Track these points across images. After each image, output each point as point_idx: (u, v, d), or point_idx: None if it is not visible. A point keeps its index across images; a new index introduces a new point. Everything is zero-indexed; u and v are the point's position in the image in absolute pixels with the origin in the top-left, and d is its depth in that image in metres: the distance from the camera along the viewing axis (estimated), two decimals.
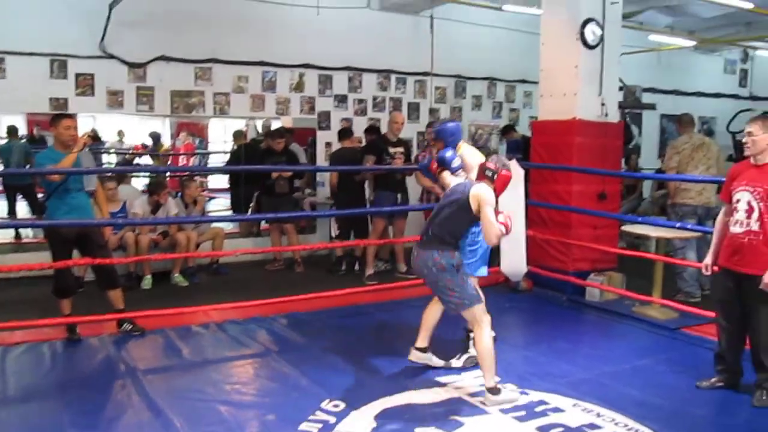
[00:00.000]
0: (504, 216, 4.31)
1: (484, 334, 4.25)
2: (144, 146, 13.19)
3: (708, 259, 4.49)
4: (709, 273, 4.50)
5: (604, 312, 6.34)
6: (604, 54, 6.80)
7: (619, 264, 6.98)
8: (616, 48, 7.02)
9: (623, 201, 8.94)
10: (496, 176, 4.35)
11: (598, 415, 3.99)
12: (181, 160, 14.39)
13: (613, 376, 4.66)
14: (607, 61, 6.82)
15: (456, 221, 4.33)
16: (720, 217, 4.44)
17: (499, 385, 4.21)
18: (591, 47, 6.71)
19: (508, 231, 4.30)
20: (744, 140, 4.22)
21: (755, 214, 4.10)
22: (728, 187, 4.32)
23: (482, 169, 4.42)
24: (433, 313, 4.78)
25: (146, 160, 14.04)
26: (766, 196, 4.06)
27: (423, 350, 4.75)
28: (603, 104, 6.79)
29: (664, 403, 4.21)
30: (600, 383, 4.52)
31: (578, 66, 6.72)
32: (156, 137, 12.67)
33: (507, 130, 9.57)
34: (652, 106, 10.19)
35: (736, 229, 4.21)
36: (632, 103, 9.30)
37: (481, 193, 4.24)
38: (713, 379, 4.47)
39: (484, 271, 5.10)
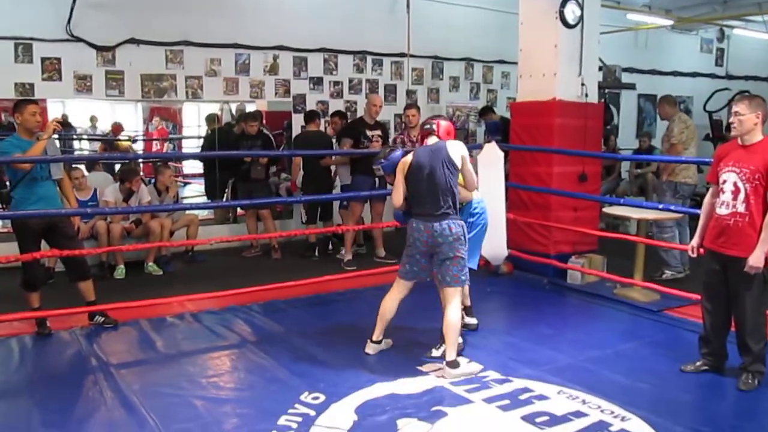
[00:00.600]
0: None
1: (457, 310, 4.40)
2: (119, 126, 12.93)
3: (694, 241, 4.43)
4: (695, 255, 4.45)
5: (585, 295, 6.29)
6: (584, 33, 6.72)
7: (599, 246, 6.92)
8: (596, 27, 6.93)
9: (602, 182, 8.88)
10: (436, 126, 4.56)
11: (584, 401, 3.93)
12: (155, 146, 14.14)
13: (598, 361, 4.61)
14: (587, 40, 6.74)
15: (454, 187, 4.38)
16: (707, 199, 4.37)
17: (458, 358, 4.30)
18: (570, 26, 6.62)
19: None
20: (731, 120, 4.15)
21: (741, 196, 4.03)
22: (715, 168, 4.25)
23: (422, 125, 4.67)
24: (391, 305, 4.70)
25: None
26: (752, 177, 3.98)
27: (379, 342, 4.73)
28: (583, 84, 6.71)
29: (650, 388, 4.16)
30: (584, 369, 4.46)
31: (557, 45, 6.62)
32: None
33: (485, 112, 9.47)
34: (632, 86, 10.14)
35: (722, 210, 4.14)
36: (612, 83, 9.24)
37: (460, 146, 4.45)
38: (698, 363, 4.43)
39: (474, 263, 4.97)
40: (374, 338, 4.72)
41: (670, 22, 11.67)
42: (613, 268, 6.43)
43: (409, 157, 4.47)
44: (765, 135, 4.07)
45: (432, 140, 4.51)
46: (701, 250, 4.40)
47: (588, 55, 6.77)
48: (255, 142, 7.88)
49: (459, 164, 4.39)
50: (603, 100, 7.63)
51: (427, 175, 4.35)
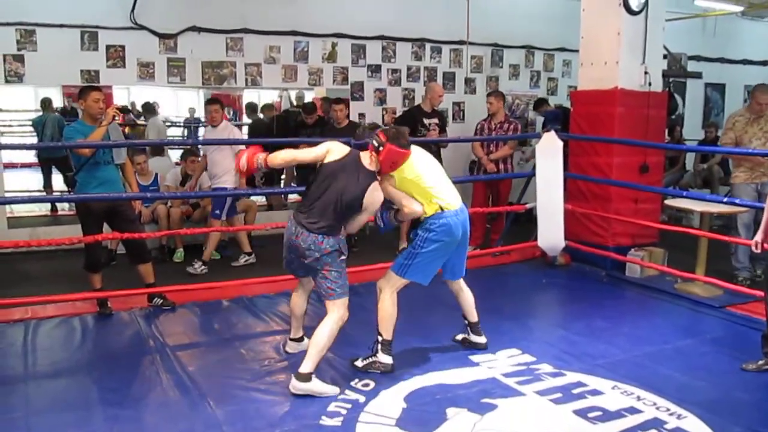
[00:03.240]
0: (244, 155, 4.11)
1: (330, 324, 3.93)
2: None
3: (758, 236, 4.27)
4: (759, 251, 4.28)
5: (644, 289, 6.14)
6: (648, 20, 6.52)
7: (660, 239, 6.74)
8: (661, 14, 6.73)
9: (665, 173, 8.65)
10: (381, 148, 3.93)
11: (638, 398, 3.84)
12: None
13: (654, 357, 4.50)
14: (651, 27, 6.54)
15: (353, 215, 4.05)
16: None
17: (315, 379, 3.86)
18: (634, 13, 6.43)
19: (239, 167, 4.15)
20: None
21: None
22: None
23: (372, 136, 4.05)
24: (295, 300, 4.49)
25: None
26: None
27: (299, 340, 4.55)
28: (646, 73, 6.53)
29: (708, 387, 4.04)
30: (640, 364, 4.35)
31: (620, 33, 6.45)
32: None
33: (539, 104, 9.31)
34: (698, 75, 9.81)
35: None
36: (677, 72, 8.95)
37: (375, 198, 3.97)
38: (760, 362, 4.28)
39: (425, 280, 4.39)
40: (292, 336, 4.56)
41: (740, 8, 11.23)
42: (675, 262, 6.25)
43: (336, 155, 4.01)
44: None
45: (366, 159, 4.01)
46: (766, 245, 4.24)
47: (652, 43, 6.59)
48: (314, 130, 7.95)
49: (366, 207, 3.99)
50: (667, 89, 7.40)
51: (335, 187, 3.95)
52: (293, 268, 4.23)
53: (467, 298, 4.62)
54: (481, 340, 4.63)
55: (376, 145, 3.92)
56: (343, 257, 4.00)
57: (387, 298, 4.25)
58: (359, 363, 4.23)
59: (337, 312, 3.95)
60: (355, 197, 3.91)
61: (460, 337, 4.72)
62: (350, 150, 4.08)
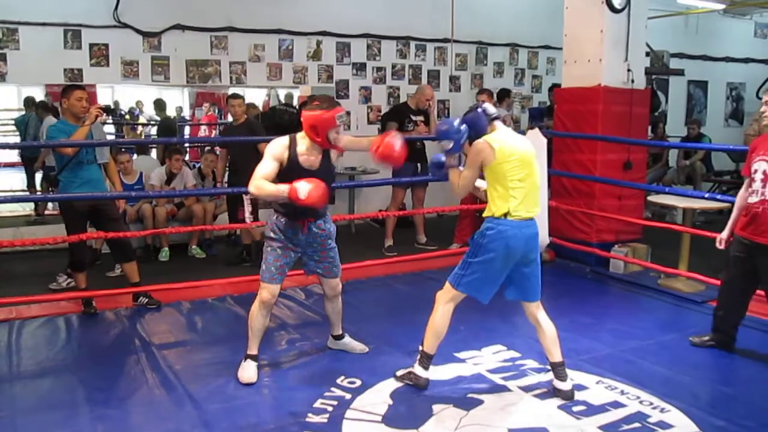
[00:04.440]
0: (306, 186, 3.64)
1: (254, 308, 4.09)
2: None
3: (724, 233, 4.43)
4: (722, 247, 4.43)
5: (628, 284, 6.20)
6: (631, 18, 6.56)
7: (644, 235, 6.80)
8: (643, 11, 6.77)
9: (649, 170, 8.72)
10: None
11: (623, 392, 3.87)
12: (203, 131, 14.34)
13: (638, 351, 4.54)
14: (634, 25, 6.59)
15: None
16: (741, 192, 4.34)
17: (249, 361, 4.07)
18: (617, 11, 6.47)
19: (300, 201, 3.63)
20: (762, 110, 4.16)
21: None
22: (749, 161, 4.23)
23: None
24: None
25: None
26: None
27: (338, 338, 4.53)
28: (629, 70, 6.58)
29: (691, 380, 4.08)
30: (624, 359, 4.39)
31: (603, 30, 6.49)
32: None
33: (503, 95, 9.16)
34: (680, 72, 9.90)
35: (752, 198, 4.17)
36: (660, 69, 9.02)
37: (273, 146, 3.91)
38: (705, 338, 4.54)
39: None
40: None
41: (722, 6, 11.33)
42: (658, 258, 6.31)
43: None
44: None
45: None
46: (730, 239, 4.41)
47: (635, 41, 6.63)
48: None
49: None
50: (650, 87, 7.45)
51: None
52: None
53: (546, 331, 3.93)
54: (567, 386, 3.84)
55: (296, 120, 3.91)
56: (270, 238, 4.01)
57: (439, 309, 3.88)
58: (399, 372, 4.03)
59: (258, 294, 4.08)
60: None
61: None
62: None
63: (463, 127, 3.73)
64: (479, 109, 3.77)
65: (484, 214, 3.82)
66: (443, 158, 3.86)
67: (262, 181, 3.73)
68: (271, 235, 3.99)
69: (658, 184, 9.32)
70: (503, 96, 9.18)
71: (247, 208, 6.42)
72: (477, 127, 3.75)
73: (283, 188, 3.66)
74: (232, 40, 8.25)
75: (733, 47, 12.65)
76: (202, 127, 14.22)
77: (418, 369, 3.93)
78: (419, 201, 7.75)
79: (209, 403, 3.72)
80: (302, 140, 3.91)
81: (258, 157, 4.14)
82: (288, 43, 8.60)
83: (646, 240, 6.71)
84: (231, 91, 8.87)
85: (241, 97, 7.13)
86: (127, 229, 5.72)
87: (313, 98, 3.96)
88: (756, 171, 4.12)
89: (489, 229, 3.75)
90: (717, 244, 4.45)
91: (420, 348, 3.94)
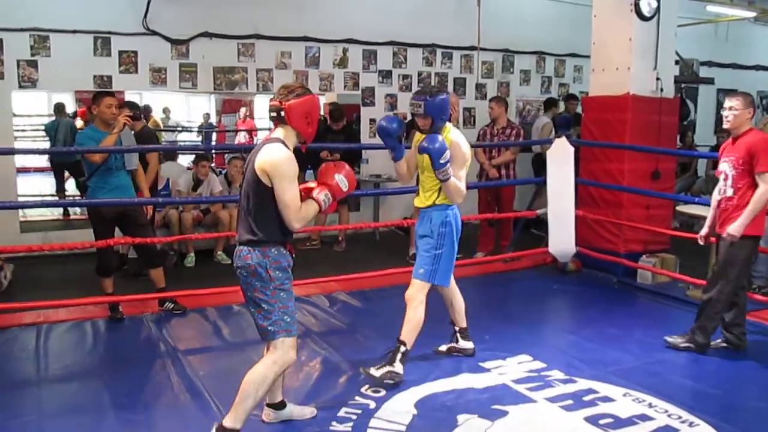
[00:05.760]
0: (340, 175, 3.27)
1: (263, 369, 3.23)
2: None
3: (703, 231, 4.77)
4: (703, 243, 4.81)
5: (656, 295, 6.12)
6: (660, 26, 6.50)
7: (672, 245, 6.71)
8: (673, 19, 6.71)
9: (677, 179, 8.62)
10: (283, 112, 3.16)
11: (650, 405, 3.82)
12: (240, 137, 14.28)
13: (666, 364, 4.48)
14: (663, 33, 6.53)
15: (257, 201, 3.14)
16: (714, 193, 4.67)
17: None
18: (646, 19, 6.42)
19: (343, 193, 3.30)
20: (724, 113, 4.48)
21: (729, 181, 4.46)
22: (718, 162, 4.63)
23: (269, 111, 3.27)
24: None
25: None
26: (737, 164, 4.40)
27: (277, 407, 3.60)
28: (658, 79, 6.52)
29: (720, 394, 4.02)
30: (652, 372, 4.33)
31: (632, 38, 6.44)
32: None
33: (549, 104, 9.27)
34: (710, 81, 9.76)
35: (716, 196, 4.62)
36: (689, 78, 8.91)
37: (272, 157, 3.07)
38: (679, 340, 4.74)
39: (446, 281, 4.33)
40: (267, 400, 3.57)
41: (752, 14, 11.19)
42: (687, 269, 6.22)
43: None
44: (751, 127, 4.52)
45: (275, 133, 3.22)
46: (712, 239, 4.76)
47: (664, 49, 6.57)
48: (338, 136, 7.91)
49: (264, 180, 3.08)
50: (679, 95, 7.37)
51: (243, 178, 3.29)
52: (249, 308, 3.38)
53: (461, 302, 4.51)
54: (470, 345, 4.54)
55: (276, 114, 3.16)
56: (279, 279, 3.18)
57: (419, 307, 4.11)
58: (375, 372, 3.99)
59: (271, 354, 3.21)
60: (249, 172, 3.16)
61: (444, 348, 4.58)
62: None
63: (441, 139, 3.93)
64: (446, 94, 4.05)
65: (428, 204, 4.19)
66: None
67: (302, 212, 3.13)
68: (279, 274, 3.19)
69: (686, 194, 9.21)
70: (550, 104, 9.17)
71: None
72: (447, 112, 4.05)
73: (320, 197, 3.20)
74: (258, 48, 8.30)
75: (764, 55, 12.48)
76: (241, 134, 14.21)
77: (398, 366, 4.03)
78: None
79: None
80: (288, 141, 3.18)
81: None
82: (314, 51, 8.63)
83: (674, 250, 6.62)
84: (258, 98, 8.93)
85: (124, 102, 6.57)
86: (153, 234, 5.76)
87: (285, 86, 3.24)
88: (721, 172, 4.54)
89: (447, 216, 4.16)
90: (699, 241, 4.80)
91: (402, 348, 4.06)
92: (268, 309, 3.18)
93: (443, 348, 4.57)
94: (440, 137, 3.93)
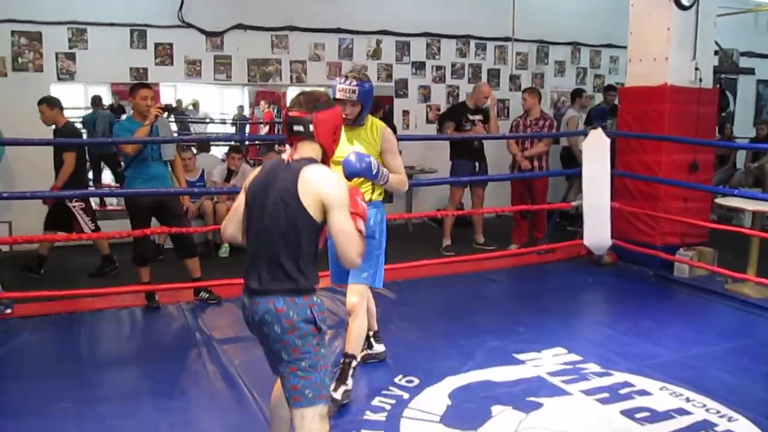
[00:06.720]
0: (362, 202, 2.60)
1: None
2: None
3: None
4: None
5: (693, 289, 6.02)
6: (699, 15, 6.38)
7: (710, 238, 6.60)
8: (712, 8, 6.58)
9: (715, 172, 8.47)
10: (311, 126, 2.59)
11: (688, 399, 3.76)
12: (262, 130, 14.46)
13: (704, 358, 4.40)
14: (702, 22, 6.40)
15: (303, 239, 2.51)
16: None
17: None
18: (685, 8, 6.30)
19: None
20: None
21: None
22: None
23: (288, 123, 2.62)
24: (280, 404, 2.82)
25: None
26: None
27: None
28: (697, 69, 6.40)
29: (760, 389, 3.96)
30: (689, 366, 4.26)
31: (670, 28, 6.33)
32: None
33: (576, 95, 9.14)
34: (750, 71, 9.58)
35: None
36: (729, 68, 8.75)
37: (330, 184, 2.51)
38: None
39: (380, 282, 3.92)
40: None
41: None
42: (725, 263, 6.10)
43: (254, 174, 2.70)
44: None
45: (302, 151, 2.60)
46: None
47: (703, 38, 6.45)
48: None
49: (312, 210, 2.47)
50: (718, 86, 7.23)
51: (261, 210, 2.56)
52: (269, 361, 2.69)
53: (373, 305, 4.19)
54: (382, 348, 4.24)
55: (303, 128, 2.57)
56: (319, 333, 2.52)
57: (363, 316, 3.75)
58: (336, 395, 3.53)
59: (307, 428, 2.51)
60: (283, 200, 2.49)
61: (359, 357, 3.88)
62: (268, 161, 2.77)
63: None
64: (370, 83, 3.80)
65: (368, 198, 3.68)
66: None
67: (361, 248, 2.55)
68: (321, 326, 2.52)
69: (725, 186, 9.05)
70: (576, 96, 9.07)
71: (84, 219, 6.13)
72: (372, 100, 3.81)
73: (361, 227, 2.55)
74: (292, 40, 8.32)
75: None
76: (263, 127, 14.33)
77: (350, 381, 3.69)
78: (478, 200, 7.68)
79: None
80: (287, 157, 2.63)
81: None
82: (348, 42, 8.64)
83: (712, 243, 6.51)
84: (291, 90, 8.96)
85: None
86: (189, 225, 5.82)
87: (308, 95, 2.67)
88: None
89: (384, 214, 3.90)
90: None
91: (354, 362, 3.72)
92: (308, 367, 2.50)
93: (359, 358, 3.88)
94: (354, 155, 3.45)
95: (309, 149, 2.60)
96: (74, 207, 6.13)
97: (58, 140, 6.04)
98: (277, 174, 2.55)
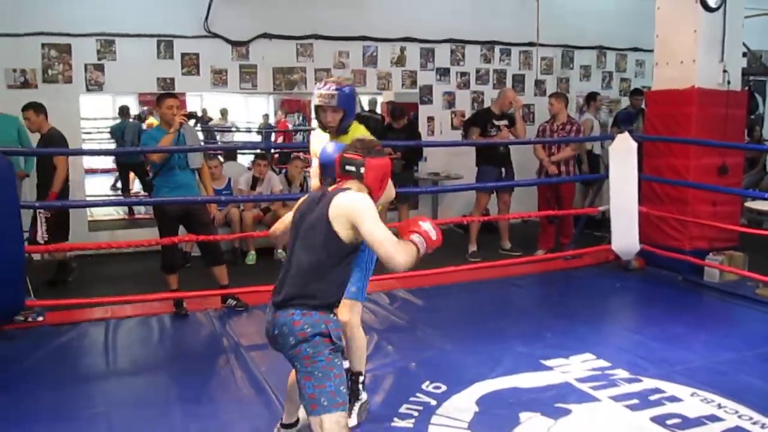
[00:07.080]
0: (427, 224, 2.81)
1: None
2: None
3: None
4: None
5: (723, 294, 5.94)
6: (727, 17, 6.30)
7: (740, 242, 6.51)
8: (740, 10, 6.51)
9: (745, 175, 8.36)
10: (363, 169, 2.82)
11: (719, 406, 3.71)
12: (280, 137, 14.60)
13: (735, 364, 4.34)
14: (730, 24, 6.33)
15: (323, 260, 2.71)
16: None
17: None
18: (712, 10, 6.24)
19: (434, 243, 2.81)
20: None
21: None
22: None
23: (341, 163, 2.87)
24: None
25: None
26: None
27: (289, 426, 3.28)
28: (725, 71, 6.33)
29: None
30: (720, 371, 4.21)
31: (697, 30, 6.26)
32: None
33: (591, 98, 9.05)
34: None
35: None
36: (757, 70, 8.66)
37: (351, 199, 2.71)
38: None
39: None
40: (283, 420, 3.30)
41: None
42: (756, 267, 6.01)
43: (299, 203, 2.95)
44: None
45: (347, 185, 2.84)
46: None
47: (731, 40, 6.37)
48: (399, 135, 7.94)
49: (338, 227, 2.67)
50: (747, 88, 7.16)
51: (297, 232, 2.82)
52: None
53: (364, 342, 3.76)
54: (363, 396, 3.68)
55: (355, 169, 2.81)
56: (334, 345, 2.67)
57: (358, 328, 3.58)
58: (355, 415, 3.52)
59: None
60: (314, 221, 2.73)
61: None
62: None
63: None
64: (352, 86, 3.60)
65: None
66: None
67: (402, 246, 2.66)
68: (334, 344, 2.69)
69: (755, 190, 8.93)
70: (590, 99, 9.00)
71: (41, 228, 5.90)
72: (356, 106, 3.63)
73: (414, 239, 2.74)
74: (317, 48, 8.36)
75: None
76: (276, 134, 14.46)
77: (364, 395, 3.64)
78: (505, 206, 7.64)
79: None
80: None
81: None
82: (372, 50, 8.66)
83: (742, 247, 6.42)
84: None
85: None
86: (216, 233, 5.87)
87: (364, 141, 2.93)
88: None
89: None
90: None
91: (360, 378, 3.62)
92: (322, 376, 2.62)
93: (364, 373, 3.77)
94: (331, 144, 3.37)
95: (355, 187, 2.81)
96: (39, 212, 5.94)
97: (89, 150, 6.13)
98: (318, 201, 2.79)
